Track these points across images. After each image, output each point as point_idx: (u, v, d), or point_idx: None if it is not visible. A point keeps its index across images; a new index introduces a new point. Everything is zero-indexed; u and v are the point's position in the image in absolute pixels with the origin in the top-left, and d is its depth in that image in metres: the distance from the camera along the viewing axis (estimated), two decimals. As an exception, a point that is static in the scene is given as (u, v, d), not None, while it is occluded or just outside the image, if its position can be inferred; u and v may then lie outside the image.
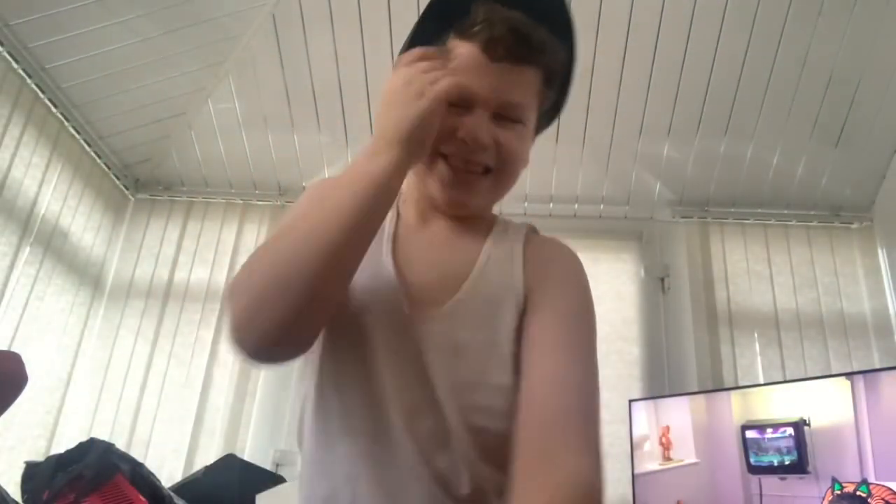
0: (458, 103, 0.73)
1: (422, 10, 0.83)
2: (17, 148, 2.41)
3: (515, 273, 0.78)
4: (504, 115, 0.76)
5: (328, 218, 0.64)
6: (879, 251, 2.89)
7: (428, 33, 0.80)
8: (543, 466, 0.60)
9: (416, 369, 0.70)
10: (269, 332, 0.63)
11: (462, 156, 0.76)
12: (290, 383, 2.82)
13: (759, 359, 2.76)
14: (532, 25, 0.76)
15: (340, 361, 0.73)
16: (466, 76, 0.73)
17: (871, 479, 1.82)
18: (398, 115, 0.68)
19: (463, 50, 0.75)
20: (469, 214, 0.83)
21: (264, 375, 2.83)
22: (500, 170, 0.78)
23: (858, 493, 1.82)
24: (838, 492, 1.86)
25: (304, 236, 0.64)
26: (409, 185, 0.83)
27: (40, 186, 2.54)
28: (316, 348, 0.73)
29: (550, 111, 0.86)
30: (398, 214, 0.83)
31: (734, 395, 2.27)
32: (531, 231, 0.85)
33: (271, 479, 2.15)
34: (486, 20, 0.74)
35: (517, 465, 0.62)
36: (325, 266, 0.63)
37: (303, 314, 0.64)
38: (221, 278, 2.98)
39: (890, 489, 1.77)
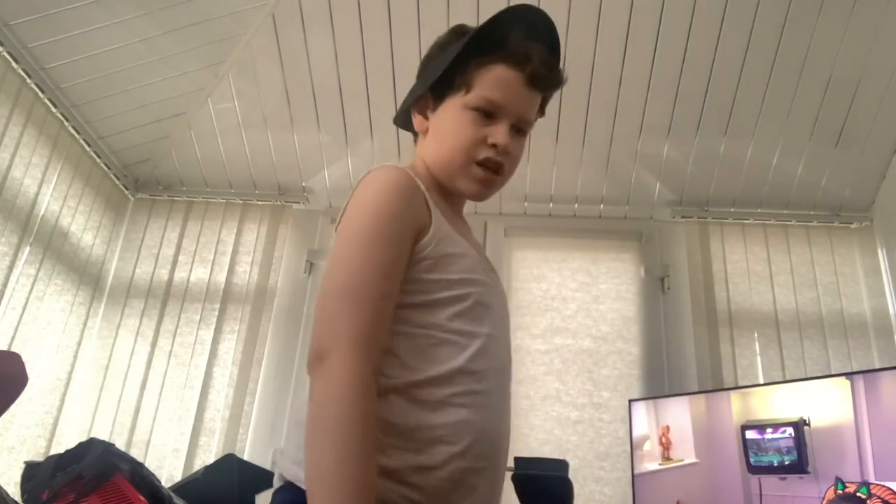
0: (487, 112, 0.89)
1: (454, 33, 0.96)
2: (16, 148, 2.41)
3: None
4: (519, 129, 0.92)
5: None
6: (879, 251, 2.89)
7: (467, 53, 0.91)
8: None
9: (506, 324, 0.92)
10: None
11: (491, 158, 0.90)
12: (290, 384, 2.83)
13: (758, 359, 2.76)
14: (556, 65, 0.93)
15: (475, 319, 0.85)
16: (501, 92, 0.89)
17: (871, 479, 1.82)
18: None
19: (503, 71, 0.89)
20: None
21: (264, 375, 2.84)
22: (506, 172, 0.93)
23: (858, 494, 1.82)
24: (841, 491, 1.86)
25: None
26: (423, 171, 0.94)
27: (40, 186, 2.54)
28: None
29: None
30: (427, 195, 0.89)
31: (734, 395, 2.28)
32: None
33: (271, 479, 2.14)
34: (526, 55, 0.89)
35: None
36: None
37: None
38: (221, 278, 2.98)
39: (890, 489, 1.77)
